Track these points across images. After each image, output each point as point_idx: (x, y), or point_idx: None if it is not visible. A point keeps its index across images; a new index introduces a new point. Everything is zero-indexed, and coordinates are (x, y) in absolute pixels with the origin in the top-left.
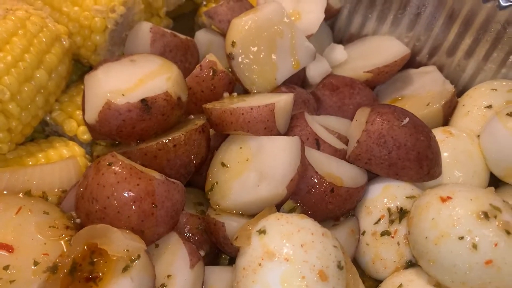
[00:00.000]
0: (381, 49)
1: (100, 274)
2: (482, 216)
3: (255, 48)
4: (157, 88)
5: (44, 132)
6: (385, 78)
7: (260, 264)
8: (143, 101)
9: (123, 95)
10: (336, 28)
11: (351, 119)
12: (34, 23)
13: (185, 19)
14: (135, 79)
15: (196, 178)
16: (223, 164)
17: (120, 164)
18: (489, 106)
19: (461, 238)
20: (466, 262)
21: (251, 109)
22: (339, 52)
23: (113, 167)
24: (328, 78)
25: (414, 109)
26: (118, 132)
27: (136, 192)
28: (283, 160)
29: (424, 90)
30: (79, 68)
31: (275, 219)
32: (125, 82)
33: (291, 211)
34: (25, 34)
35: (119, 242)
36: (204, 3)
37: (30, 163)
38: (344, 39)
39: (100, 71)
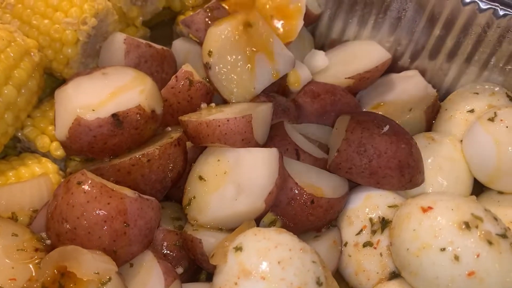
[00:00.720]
0: (362, 54)
1: None
2: (463, 227)
3: (233, 57)
4: (129, 102)
5: (16, 149)
6: (366, 83)
7: (236, 283)
8: (114, 115)
9: (93, 110)
10: (317, 34)
11: (333, 127)
12: (1, 38)
13: (163, 28)
14: (106, 93)
15: (174, 191)
16: (200, 178)
17: (90, 183)
18: (471, 111)
19: (443, 249)
20: (449, 274)
21: (228, 120)
22: (320, 58)
23: (82, 186)
24: (309, 85)
25: (397, 115)
26: (89, 149)
27: (107, 211)
28: (261, 173)
29: (406, 95)
30: (53, 81)
31: (252, 234)
32: (96, 97)
33: (271, 224)
34: None
35: (89, 264)
36: (182, 11)
37: (0, 182)
38: (326, 45)
39: (70, 86)
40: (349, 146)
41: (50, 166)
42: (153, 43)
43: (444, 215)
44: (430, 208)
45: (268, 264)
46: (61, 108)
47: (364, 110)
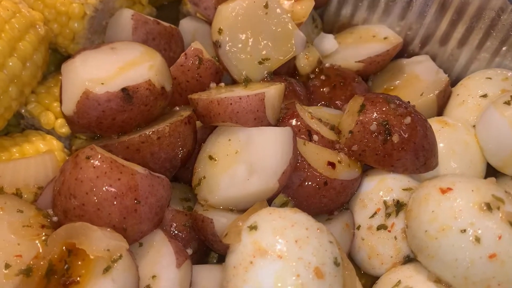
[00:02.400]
0: (372, 38)
1: (79, 276)
2: (484, 208)
3: (243, 36)
4: (139, 77)
5: (19, 126)
6: (376, 68)
7: (251, 262)
8: (124, 90)
9: (102, 83)
10: (326, 18)
11: (343, 110)
12: (5, 8)
13: (169, 9)
14: (115, 67)
15: (182, 172)
16: (210, 157)
17: (100, 158)
18: (484, 95)
19: (463, 231)
20: (469, 256)
21: (240, 98)
22: (329, 41)
23: (92, 161)
24: (319, 68)
25: (408, 99)
26: (97, 124)
27: (117, 187)
28: (275, 152)
29: (417, 80)
30: (57, 58)
31: (267, 213)
32: (105, 70)
33: (283, 205)
34: None
35: (99, 241)
36: None
37: (4, 158)
38: (335, 29)
39: (78, 59)
40: (363, 127)
41: (55, 143)
42: None
43: (464, 196)
44: (449, 189)
45: (285, 242)
46: (69, 81)
47: None
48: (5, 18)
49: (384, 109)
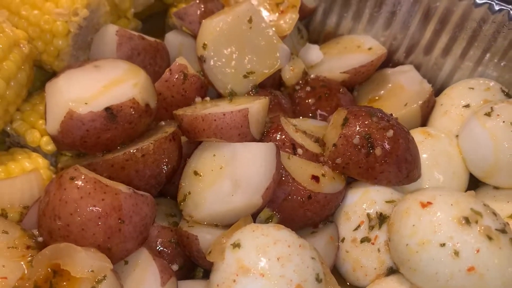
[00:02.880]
0: (357, 48)
1: None
2: (463, 222)
3: (228, 50)
4: (122, 95)
5: (5, 144)
6: (362, 78)
7: (234, 281)
8: (108, 109)
9: (86, 103)
10: (311, 28)
11: (328, 121)
12: None
13: (155, 20)
14: (99, 86)
15: (168, 187)
16: (195, 173)
17: (83, 178)
18: (467, 106)
19: (443, 245)
20: (448, 270)
21: (224, 114)
22: (314, 52)
23: (75, 182)
24: (304, 79)
25: (392, 110)
26: (82, 143)
27: (101, 207)
28: (258, 167)
29: (401, 90)
30: (43, 74)
31: (250, 231)
32: (89, 90)
33: (268, 219)
34: None
35: (83, 262)
36: (175, 3)
37: None
38: (320, 39)
39: (61, 78)
40: (346, 141)
41: (41, 161)
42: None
43: (444, 210)
44: (429, 203)
45: (267, 261)
46: (52, 101)
47: (359, 104)
48: None
49: (366, 122)
